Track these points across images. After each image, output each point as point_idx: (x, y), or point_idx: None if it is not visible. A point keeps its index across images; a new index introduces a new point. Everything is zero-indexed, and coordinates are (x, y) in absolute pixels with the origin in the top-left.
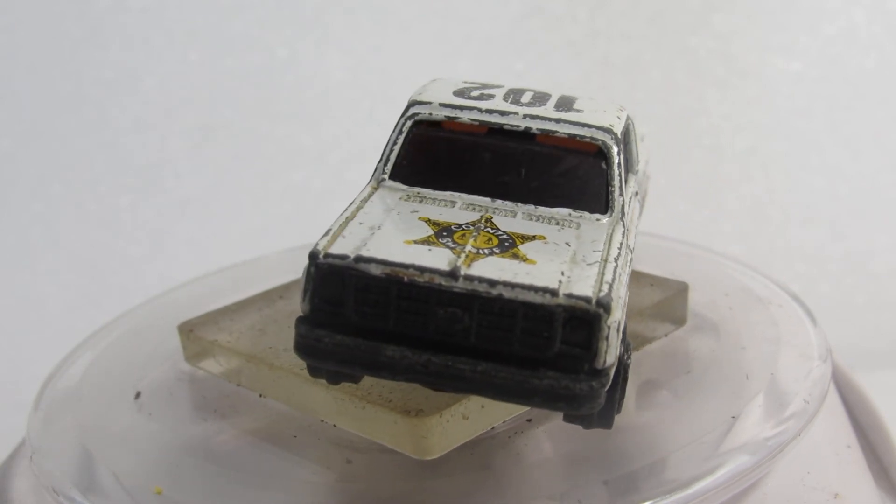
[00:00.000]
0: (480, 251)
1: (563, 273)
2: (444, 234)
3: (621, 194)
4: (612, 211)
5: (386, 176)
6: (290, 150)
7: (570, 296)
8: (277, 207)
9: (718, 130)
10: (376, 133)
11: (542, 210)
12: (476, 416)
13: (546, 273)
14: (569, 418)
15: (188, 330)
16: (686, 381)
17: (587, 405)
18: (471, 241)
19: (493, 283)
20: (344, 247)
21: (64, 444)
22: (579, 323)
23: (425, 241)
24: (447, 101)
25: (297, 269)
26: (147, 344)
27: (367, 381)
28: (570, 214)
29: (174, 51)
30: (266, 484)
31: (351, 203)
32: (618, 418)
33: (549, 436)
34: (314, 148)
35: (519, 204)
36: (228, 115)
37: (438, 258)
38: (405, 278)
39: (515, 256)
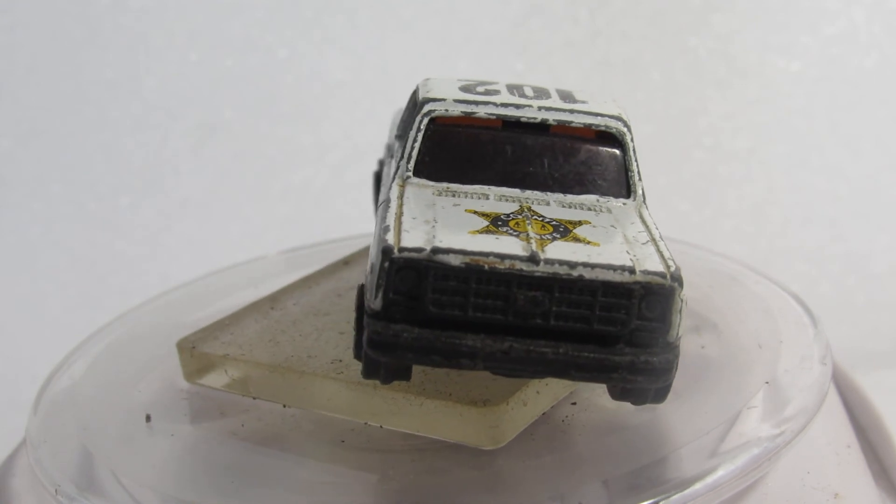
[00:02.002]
0: (544, 237)
1: (628, 252)
2: (499, 223)
3: (639, 178)
4: (635, 195)
5: (410, 173)
6: (290, 150)
7: (646, 272)
8: (277, 207)
9: (718, 130)
10: (376, 133)
11: (571, 198)
12: (533, 401)
13: (614, 253)
14: (622, 395)
15: (189, 347)
16: (685, 380)
17: (663, 378)
18: (529, 228)
19: (572, 264)
20: (414, 240)
21: (64, 444)
22: (655, 298)
23: (487, 231)
24: (460, 97)
25: (291, 271)
26: (147, 344)
27: (416, 377)
28: (597, 200)
29: (174, 51)
30: (268, 483)
31: (387, 201)
32: (618, 418)
33: (549, 436)
34: (314, 148)
35: (548, 193)
36: (228, 115)
37: (511, 245)
38: (486, 266)
39: (577, 240)
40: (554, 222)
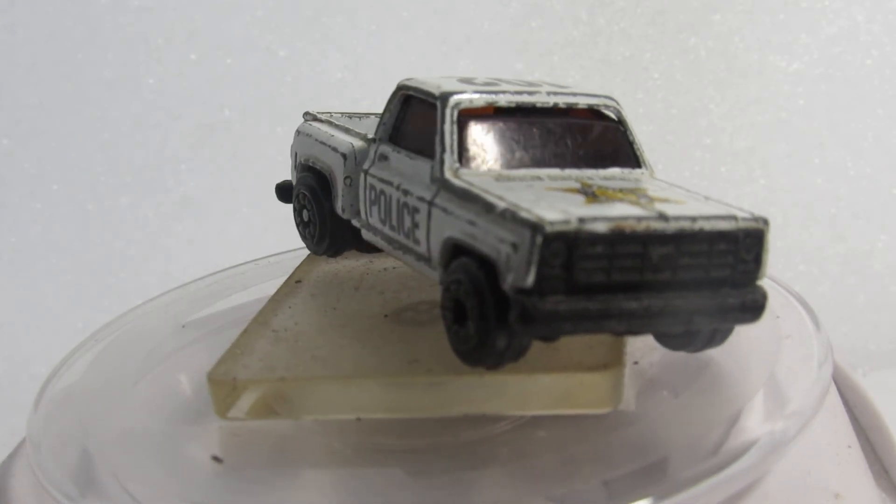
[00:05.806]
0: (640, 200)
1: (708, 205)
2: (588, 194)
3: (643, 150)
4: (646, 165)
5: (458, 164)
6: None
7: (743, 219)
8: (277, 207)
9: (718, 130)
10: None
11: (602, 172)
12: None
13: (703, 206)
14: (683, 344)
15: (230, 379)
16: (686, 380)
17: (761, 313)
18: (620, 195)
19: (693, 218)
20: (553, 214)
21: (64, 444)
22: (752, 241)
23: (591, 202)
24: (477, 88)
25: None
26: (147, 344)
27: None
28: (622, 172)
29: (174, 51)
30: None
31: (463, 190)
32: (618, 417)
33: (549, 436)
34: None
35: (583, 170)
36: (228, 115)
37: (630, 209)
38: (627, 230)
39: (666, 200)
40: (626, 190)
